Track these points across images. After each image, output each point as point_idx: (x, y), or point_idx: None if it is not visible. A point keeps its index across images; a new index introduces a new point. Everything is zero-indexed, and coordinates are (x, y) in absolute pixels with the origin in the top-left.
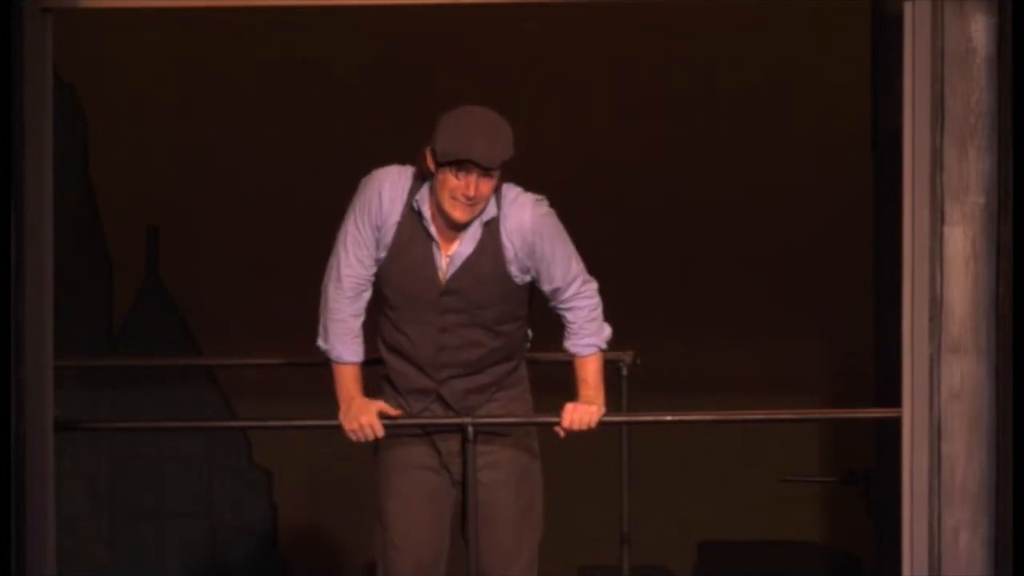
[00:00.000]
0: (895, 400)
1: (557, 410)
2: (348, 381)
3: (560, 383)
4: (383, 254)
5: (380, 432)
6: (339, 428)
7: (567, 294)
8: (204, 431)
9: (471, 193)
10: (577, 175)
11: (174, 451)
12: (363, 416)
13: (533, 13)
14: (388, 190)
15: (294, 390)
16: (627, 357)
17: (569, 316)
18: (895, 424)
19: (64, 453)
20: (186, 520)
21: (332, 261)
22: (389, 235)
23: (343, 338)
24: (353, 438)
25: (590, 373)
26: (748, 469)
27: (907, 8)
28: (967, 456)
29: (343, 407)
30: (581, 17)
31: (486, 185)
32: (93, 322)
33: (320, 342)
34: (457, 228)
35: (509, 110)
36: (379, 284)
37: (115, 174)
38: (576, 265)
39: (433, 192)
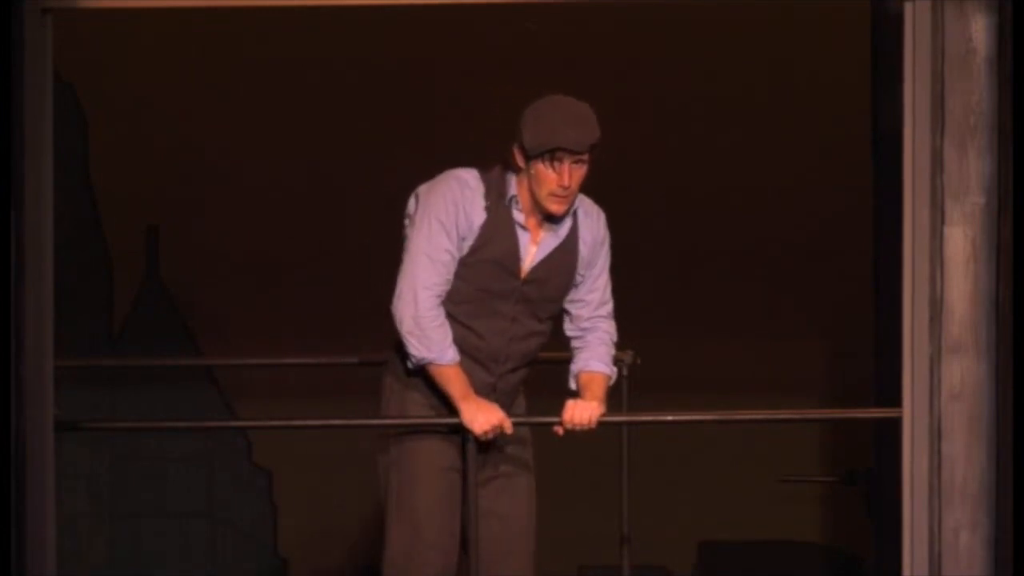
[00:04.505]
0: (895, 400)
1: (556, 411)
2: (462, 380)
3: (559, 384)
4: (466, 253)
5: (510, 428)
6: (338, 428)
7: (601, 311)
8: (204, 431)
9: (566, 183)
10: None
11: (174, 451)
12: (493, 416)
13: (533, 13)
14: (467, 198)
15: (294, 390)
16: (627, 357)
17: (589, 337)
18: (895, 424)
19: (64, 453)
20: (186, 520)
21: (407, 276)
22: (474, 237)
23: (446, 339)
24: (483, 438)
25: (597, 385)
26: (748, 469)
27: (907, 8)
28: (967, 456)
29: (468, 408)
30: (581, 17)
31: (578, 172)
32: (93, 322)
33: (422, 354)
34: (555, 221)
35: (509, 110)
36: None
37: (115, 174)
38: (610, 285)
39: (526, 187)
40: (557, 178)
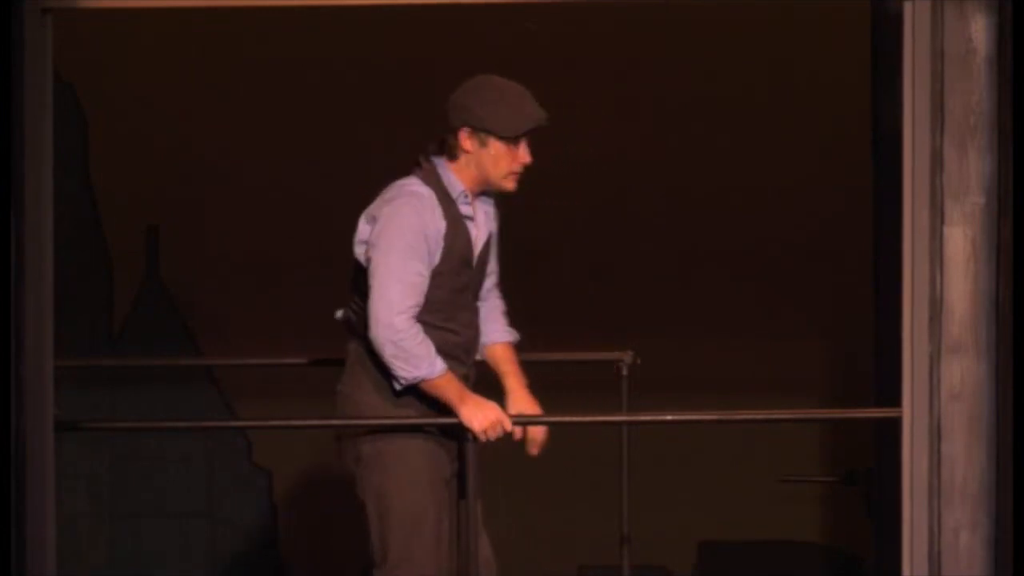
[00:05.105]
0: (895, 400)
1: (550, 411)
2: (456, 384)
3: (556, 383)
4: (438, 263)
5: (510, 426)
6: (338, 428)
7: (494, 282)
8: (204, 431)
9: (528, 160)
10: (577, 175)
11: (174, 451)
12: (491, 412)
13: (533, 13)
14: (427, 212)
15: (294, 390)
16: (627, 357)
17: (485, 310)
18: (895, 424)
19: (64, 453)
20: (186, 520)
21: (382, 304)
22: (441, 246)
23: (431, 351)
24: (483, 437)
25: (511, 354)
26: (748, 469)
27: (907, 8)
28: (967, 456)
29: (467, 407)
30: (581, 17)
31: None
32: (93, 322)
33: (413, 374)
34: (488, 202)
35: None
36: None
37: (115, 174)
38: None
39: (469, 174)
40: (521, 157)
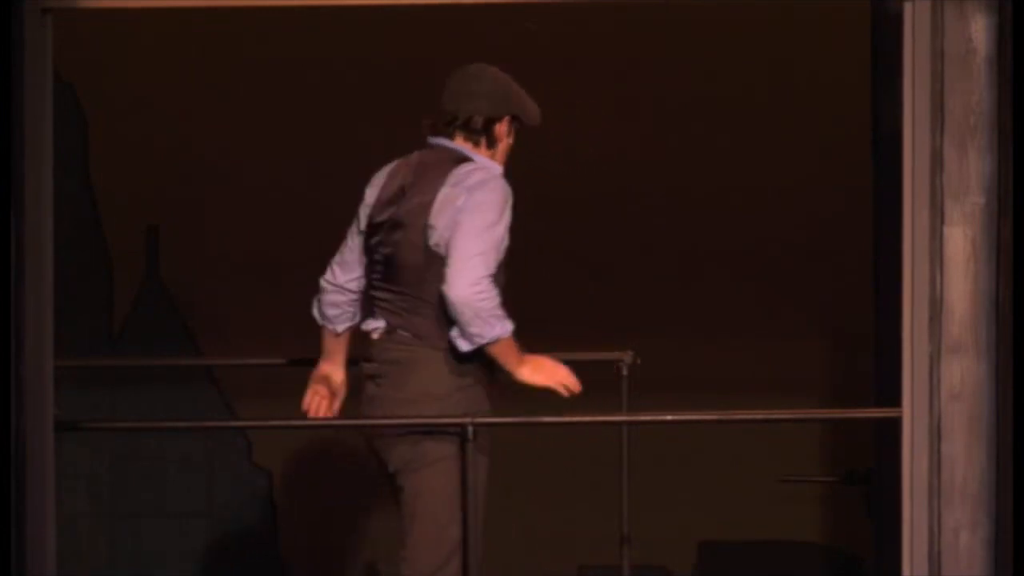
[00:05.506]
0: (895, 400)
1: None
2: (516, 346)
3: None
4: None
5: (573, 379)
6: (338, 428)
7: None
8: (204, 431)
9: None
10: (577, 174)
11: (174, 451)
12: (551, 367)
13: (533, 13)
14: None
15: (294, 390)
16: (627, 357)
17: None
18: (895, 424)
19: (64, 453)
20: (186, 520)
21: (476, 258)
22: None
23: (504, 311)
24: (563, 390)
25: None
26: (748, 469)
27: (907, 8)
28: (967, 456)
29: (527, 367)
30: (581, 17)
31: None
32: (93, 322)
33: (491, 333)
34: None
35: None
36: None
37: (115, 174)
38: None
39: (495, 159)
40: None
